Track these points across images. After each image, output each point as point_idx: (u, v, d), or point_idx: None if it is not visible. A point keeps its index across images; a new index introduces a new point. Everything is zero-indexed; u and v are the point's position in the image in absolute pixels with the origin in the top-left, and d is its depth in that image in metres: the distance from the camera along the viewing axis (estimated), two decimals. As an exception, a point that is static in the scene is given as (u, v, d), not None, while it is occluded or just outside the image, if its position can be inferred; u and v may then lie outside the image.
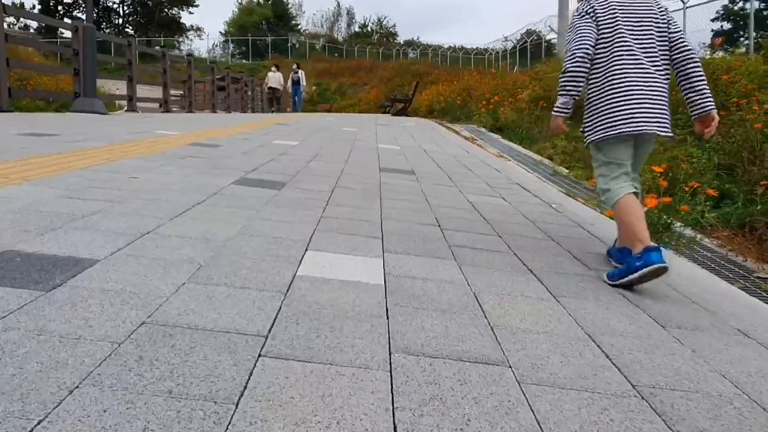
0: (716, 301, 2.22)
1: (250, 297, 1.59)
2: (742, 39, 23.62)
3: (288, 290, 1.69)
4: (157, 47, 16.50)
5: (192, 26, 51.22)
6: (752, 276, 4.02)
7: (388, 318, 1.58)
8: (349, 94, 31.54)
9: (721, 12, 31.64)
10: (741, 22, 32.40)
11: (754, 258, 4.31)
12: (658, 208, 3.94)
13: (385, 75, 31.08)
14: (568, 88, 2.45)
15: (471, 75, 19.60)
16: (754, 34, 14.17)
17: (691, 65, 2.43)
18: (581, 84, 2.46)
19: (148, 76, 16.49)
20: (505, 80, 16.33)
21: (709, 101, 2.43)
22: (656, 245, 2.22)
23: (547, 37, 24.53)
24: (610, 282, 2.25)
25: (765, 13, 32.79)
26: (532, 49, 25.02)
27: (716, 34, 28.66)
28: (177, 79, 15.07)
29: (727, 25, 32.17)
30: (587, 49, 2.42)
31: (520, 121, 11.29)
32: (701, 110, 2.41)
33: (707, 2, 19.02)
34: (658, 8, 2.52)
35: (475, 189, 4.31)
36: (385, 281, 1.90)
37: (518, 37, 28.79)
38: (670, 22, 2.51)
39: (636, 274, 2.14)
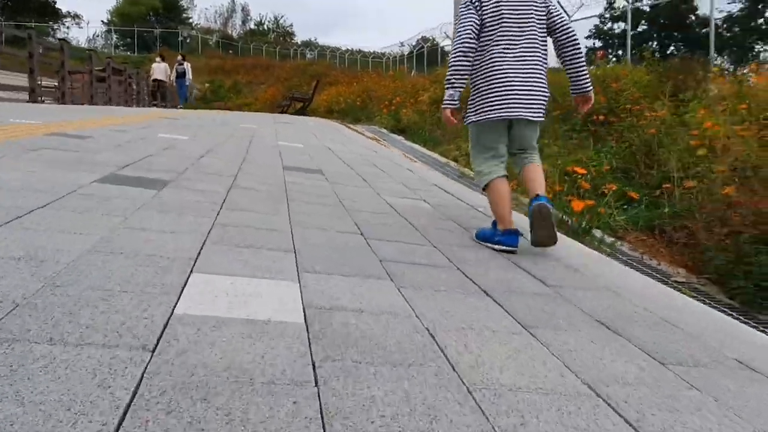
0: (695, 323, 1.87)
1: (90, 363, 0.96)
2: (610, 55, 25.48)
3: (158, 344, 1.07)
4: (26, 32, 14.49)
5: (69, 12, 46.61)
6: (670, 281, 3.88)
7: (317, 385, 1.01)
8: (245, 92, 30.07)
9: (593, 31, 34.16)
10: (609, 41, 35.25)
11: (667, 261, 4.20)
12: (584, 211, 3.68)
13: (282, 74, 30.02)
14: (452, 80, 2.53)
15: (370, 77, 19.29)
16: (624, 52, 15.07)
17: (574, 49, 2.57)
18: (465, 77, 2.53)
19: (19, 63, 14.44)
20: (404, 83, 16.16)
21: (588, 83, 2.59)
22: (515, 229, 2.49)
23: (442, 44, 24.87)
24: (476, 240, 2.58)
25: (631, 33, 35.65)
26: (428, 54, 25.25)
27: (589, 50, 30.62)
28: (51, 69, 13.26)
29: (598, 43, 34.78)
30: (469, 43, 2.47)
31: (422, 123, 11.05)
32: (582, 91, 2.60)
33: (583, 18, 20.12)
34: None
35: (391, 190, 3.82)
36: (305, 317, 1.33)
37: (414, 43, 28.99)
38: (550, 7, 2.57)
39: (494, 246, 2.46)
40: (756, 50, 31.42)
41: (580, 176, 3.97)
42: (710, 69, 8.07)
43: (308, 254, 1.88)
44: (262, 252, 1.82)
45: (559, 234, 3.54)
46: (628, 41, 13.20)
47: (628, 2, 14.59)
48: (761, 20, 30.87)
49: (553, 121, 8.62)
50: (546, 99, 2.54)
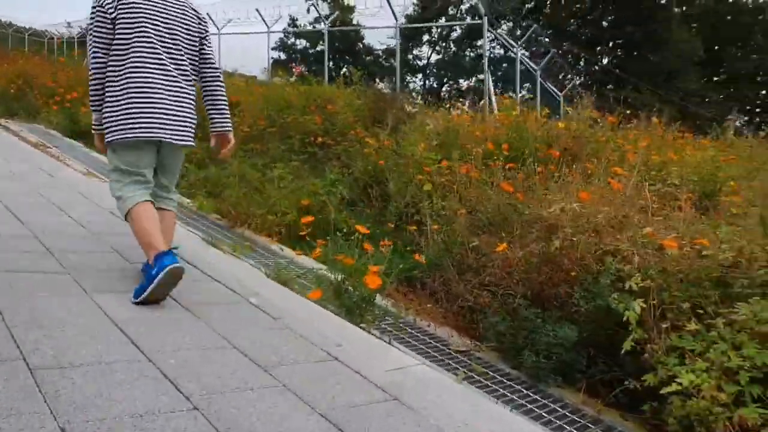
0: None
1: None
2: (292, 68, 26.30)
3: None
4: None
5: None
6: (449, 349, 3.38)
7: None
8: None
9: (279, 43, 35.27)
10: (292, 54, 36.73)
11: (438, 323, 3.73)
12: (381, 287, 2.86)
13: None
14: (93, 106, 2.29)
15: (30, 59, 15.10)
16: (307, 67, 15.14)
17: (216, 85, 2.46)
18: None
19: None
20: (80, 72, 13.02)
21: (228, 123, 2.50)
22: (169, 249, 2.08)
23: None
24: (134, 300, 1.99)
25: (311, 51, 38.12)
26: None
27: (275, 61, 31.55)
28: None
29: (282, 55, 35.97)
30: (101, 59, 2.20)
31: (109, 128, 8.79)
32: (221, 130, 2.48)
33: (274, 31, 19.99)
34: (195, 15, 2.40)
35: (101, 268, 2.30)
36: None
37: (85, 25, 24.33)
38: (206, 37, 2.45)
39: (154, 283, 1.93)
40: (407, 80, 36.70)
41: (361, 235, 3.13)
42: (416, 101, 8.36)
43: None
44: None
45: (339, 317, 2.65)
46: (326, 61, 13.21)
47: (324, 19, 14.76)
48: (410, 56, 36.35)
49: (271, 140, 7.75)
50: (194, 122, 2.34)
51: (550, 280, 3.21)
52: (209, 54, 2.46)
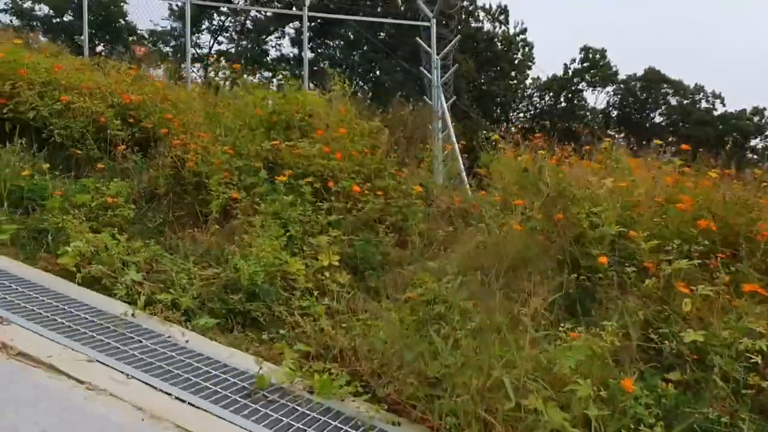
0: None
1: None
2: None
3: None
4: None
5: None
6: None
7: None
8: None
9: (10, 5, 26.97)
10: (31, 22, 27.99)
11: None
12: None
13: None
14: None
15: None
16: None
17: None
18: None
19: None
20: None
21: None
22: None
23: None
24: None
25: (56, 20, 29.67)
26: None
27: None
28: None
29: (16, 21, 27.07)
30: None
31: None
32: None
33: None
34: None
35: None
36: None
37: None
38: None
39: None
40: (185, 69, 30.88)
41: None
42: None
43: None
44: None
45: None
46: (188, 37, 8.85)
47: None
48: (192, 43, 30.62)
49: (257, 183, 4.04)
50: None
51: None
52: None
